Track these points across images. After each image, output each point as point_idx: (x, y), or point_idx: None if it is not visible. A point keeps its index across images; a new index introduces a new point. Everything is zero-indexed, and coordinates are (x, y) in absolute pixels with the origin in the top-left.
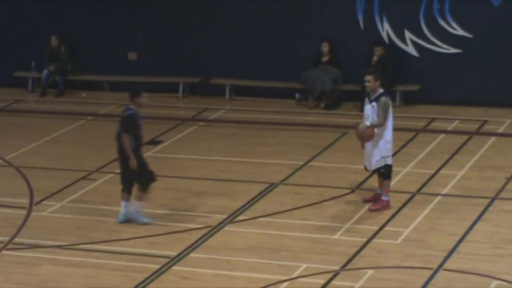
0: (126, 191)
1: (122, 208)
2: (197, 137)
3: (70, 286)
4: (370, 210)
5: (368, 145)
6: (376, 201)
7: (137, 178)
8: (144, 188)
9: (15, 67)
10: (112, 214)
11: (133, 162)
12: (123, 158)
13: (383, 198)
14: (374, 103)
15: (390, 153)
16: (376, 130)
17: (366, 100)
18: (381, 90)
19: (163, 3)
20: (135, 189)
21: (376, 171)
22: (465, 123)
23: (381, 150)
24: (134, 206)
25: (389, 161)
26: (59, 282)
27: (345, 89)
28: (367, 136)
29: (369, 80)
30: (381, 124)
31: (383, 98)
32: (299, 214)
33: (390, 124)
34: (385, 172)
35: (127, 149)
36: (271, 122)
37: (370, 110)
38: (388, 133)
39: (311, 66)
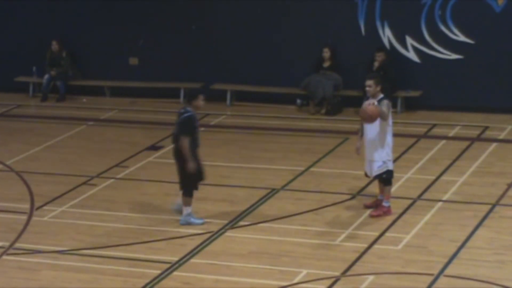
0: (187, 194)
1: (183, 211)
2: None
3: None
4: (371, 216)
5: (367, 150)
6: (377, 207)
7: (195, 179)
8: (189, 193)
9: (16, 72)
10: (112, 220)
11: (191, 165)
12: (180, 160)
13: (384, 204)
14: None
15: (391, 157)
16: (377, 139)
17: None
18: (381, 95)
19: (164, 9)
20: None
21: (378, 176)
22: (466, 129)
23: (381, 155)
24: (184, 212)
25: (390, 165)
26: (60, 287)
27: (346, 95)
28: (372, 110)
29: (370, 85)
30: (385, 115)
31: (385, 101)
32: (299, 219)
33: (390, 128)
34: (386, 178)
35: (186, 152)
36: (272, 127)
37: None
38: (388, 137)
39: (312, 72)
